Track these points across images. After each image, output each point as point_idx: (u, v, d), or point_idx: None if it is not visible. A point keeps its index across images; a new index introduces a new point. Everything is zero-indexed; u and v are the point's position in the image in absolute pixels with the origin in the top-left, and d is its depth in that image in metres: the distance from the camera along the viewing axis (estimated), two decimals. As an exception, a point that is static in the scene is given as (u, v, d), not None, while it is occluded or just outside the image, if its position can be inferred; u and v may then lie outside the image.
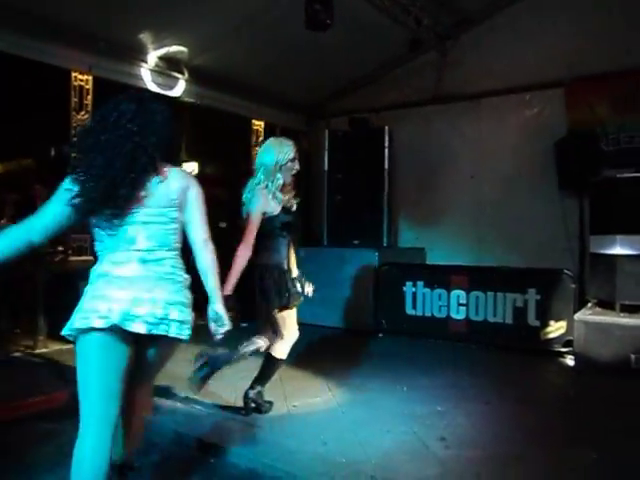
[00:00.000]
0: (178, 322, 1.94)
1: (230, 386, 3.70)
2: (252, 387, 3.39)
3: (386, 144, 6.62)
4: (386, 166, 6.67)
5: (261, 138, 7.94)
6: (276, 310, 3.24)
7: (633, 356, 4.18)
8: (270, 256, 3.24)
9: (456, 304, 5.39)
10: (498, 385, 4.05)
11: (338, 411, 3.51)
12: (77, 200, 1.86)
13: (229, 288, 2.91)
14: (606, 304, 4.73)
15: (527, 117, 6.37)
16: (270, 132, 8.04)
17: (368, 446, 2.92)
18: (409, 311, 5.60)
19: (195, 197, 2.06)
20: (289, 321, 3.30)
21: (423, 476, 2.60)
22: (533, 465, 2.72)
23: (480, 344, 5.16)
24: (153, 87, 5.80)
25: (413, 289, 5.63)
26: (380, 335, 5.81)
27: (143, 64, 5.71)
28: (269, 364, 3.39)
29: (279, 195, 3.24)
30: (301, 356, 4.88)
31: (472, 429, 3.19)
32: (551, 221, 6.03)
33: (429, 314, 5.54)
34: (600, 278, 4.88)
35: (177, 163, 2.64)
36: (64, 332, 1.92)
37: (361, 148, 6.74)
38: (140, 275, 1.92)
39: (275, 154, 3.22)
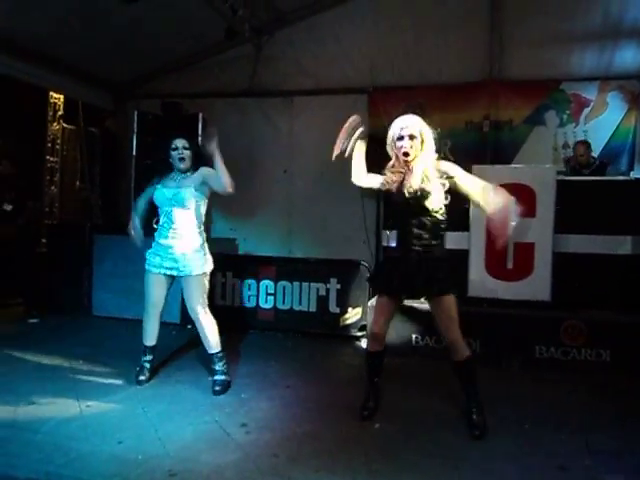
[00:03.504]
0: None
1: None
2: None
3: (200, 132, 6.48)
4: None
5: (60, 112, 7.17)
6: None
7: (414, 336, 4.78)
8: None
9: (265, 294, 5.54)
10: (300, 369, 4.27)
11: (138, 408, 3.34)
12: None
13: None
14: (394, 292, 5.30)
15: (335, 118, 6.74)
16: (72, 107, 7.32)
17: (167, 440, 2.85)
18: (218, 301, 5.57)
19: None
20: None
21: (222, 462, 2.62)
22: (325, 440, 2.92)
23: (287, 332, 5.37)
24: None
25: (222, 279, 5.62)
26: (189, 327, 5.67)
27: None
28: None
29: None
30: (99, 351, 4.57)
31: (272, 413, 3.31)
32: (353, 216, 6.55)
33: (238, 304, 5.60)
34: (390, 268, 5.45)
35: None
36: None
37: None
38: None
39: None
